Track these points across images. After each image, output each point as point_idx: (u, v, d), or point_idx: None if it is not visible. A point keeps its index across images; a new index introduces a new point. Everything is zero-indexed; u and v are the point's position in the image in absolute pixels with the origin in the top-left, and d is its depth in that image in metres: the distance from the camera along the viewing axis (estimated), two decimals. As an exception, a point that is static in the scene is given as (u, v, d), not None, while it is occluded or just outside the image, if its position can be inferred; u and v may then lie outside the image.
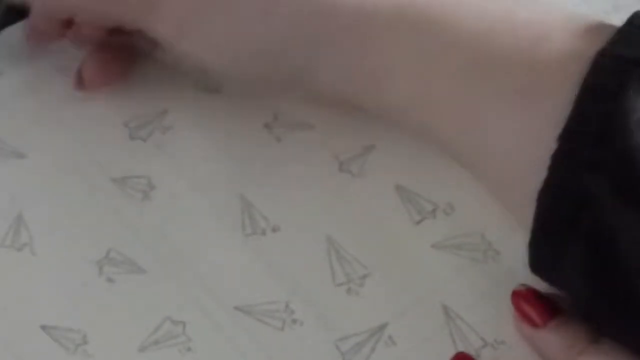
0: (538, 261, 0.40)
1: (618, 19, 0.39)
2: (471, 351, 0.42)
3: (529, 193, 0.38)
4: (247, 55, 0.45)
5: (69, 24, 0.48)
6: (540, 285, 0.42)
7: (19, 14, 0.50)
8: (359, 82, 0.43)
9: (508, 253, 0.45)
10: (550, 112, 0.38)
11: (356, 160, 0.48)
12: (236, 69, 0.46)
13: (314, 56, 0.43)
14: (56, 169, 0.47)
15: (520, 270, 0.44)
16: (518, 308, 0.42)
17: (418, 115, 0.42)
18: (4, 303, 0.43)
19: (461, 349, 0.42)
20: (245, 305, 0.43)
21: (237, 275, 0.44)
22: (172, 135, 0.49)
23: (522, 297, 0.42)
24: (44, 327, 0.42)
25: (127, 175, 0.47)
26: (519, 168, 0.39)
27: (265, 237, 0.45)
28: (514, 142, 0.40)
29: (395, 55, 0.42)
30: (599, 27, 0.39)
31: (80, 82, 0.49)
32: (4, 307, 0.43)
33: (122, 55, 0.50)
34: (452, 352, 0.42)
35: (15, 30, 0.52)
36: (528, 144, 0.39)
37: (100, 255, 0.45)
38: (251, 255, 0.45)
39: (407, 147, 0.48)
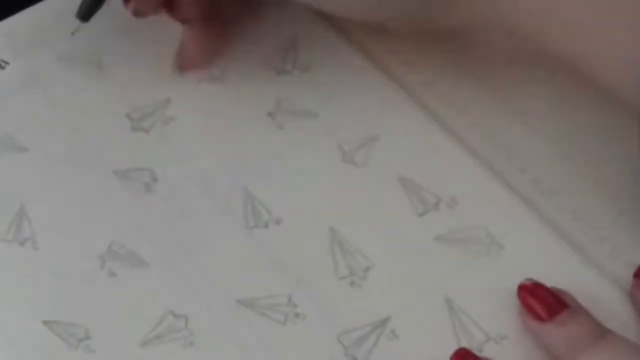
0: None
1: None
2: (474, 345, 0.42)
3: None
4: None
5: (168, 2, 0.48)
6: (546, 279, 0.42)
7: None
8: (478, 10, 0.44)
9: (512, 247, 0.45)
10: None
11: (360, 151, 0.48)
12: (353, 14, 0.47)
13: None
14: (58, 162, 0.47)
15: (524, 265, 0.44)
16: (524, 302, 0.42)
17: (532, 25, 0.43)
18: (6, 298, 0.43)
19: (464, 343, 0.42)
20: (248, 299, 0.43)
21: (240, 268, 0.44)
22: (174, 126, 0.48)
23: (529, 291, 0.42)
24: (46, 322, 0.43)
25: (130, 168, 0.47)
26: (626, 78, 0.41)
27: (268, 229, 0.45)
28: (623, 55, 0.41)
29: None
30: None
31: (182, 64, 0.50)
32: (6, 303, 0.43)
33: (216, 32, 0.50)
34: (455, 346, 0.42)
35: (19, 21, 0.52)
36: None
37: (102, 249, 0.45)
38: (254, 249, 0.45)
39: (411, 138, 0.48)
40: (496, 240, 0.45)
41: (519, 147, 0.48)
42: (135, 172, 0.47)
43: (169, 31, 0.51)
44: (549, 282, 0.42)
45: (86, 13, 0.48)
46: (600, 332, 0.41)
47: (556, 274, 0.43)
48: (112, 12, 0.51)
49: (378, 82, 0.50)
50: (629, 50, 0.41)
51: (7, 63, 0.50)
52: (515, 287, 0.42)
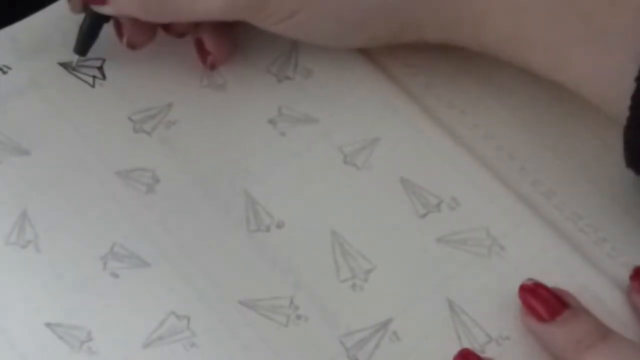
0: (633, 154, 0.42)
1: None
2: (476, 347, 0.42)
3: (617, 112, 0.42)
4: (358, 24, 0.47)
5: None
6: (547, 280, 0.42)
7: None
8: (460, 27, 0.46)
9: (513, 248, 0.45)
10: (631, 54, 0.41)
11: (361, 153, 0.48)
12: (348, 39, 0.49)
13: (419, 12, 0.46)
14: (60, 164, 0.47)
15: (525, 266, 0.44)
16: (525, 302, 0.42)
17: (514, 53, 0.46)
18: (8, 301, 0.43)
19: (466, 344, 0.42)
20: (250, 301, 0.43)
21: (242, 270, 0.44)
22: (176, 130, 0.49)
23: (530, 291, 0.42)
24: (48, 325, 0.42)
25: (132, 169, 0.47)
26: (603, 95, 0.43)
27: (270, 233, 0.45)
28: (597, 76, 0.43)
29: (492, 3, 0.45)
30: None
31: (213, 60, 0.50)
32: (8, 305, 0.43)
33: (226, 25, 0.50)
34: (456, 348, 0.42)
35: (21, 27, 0.52)
36: (610, 79, 0.42)
37: (104, 250, 0.45)
38: (256, 251, 0.45)
39: (412, 140, 0.48)
40: (497, 241, 0.45)
41: (519, 148, 0.48)
42: (137, 173, 0.47)
43: (172, 38, 0.52)
44: (549, 283, 0.42)
45: (83, 47, 0.50)
46: (602, 332, 0.41)
47: (556, 274, 0.43)
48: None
49: (378, 85, 0.50)
50: (606, 72, 0.43)
51: (10, 68, 0.50)
52: (516, 287, 0.43)
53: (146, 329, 0.42)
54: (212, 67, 0.50)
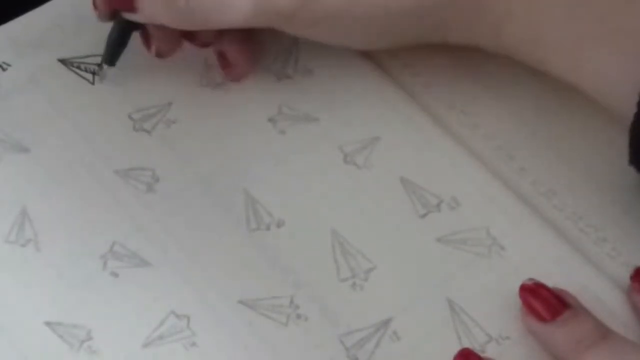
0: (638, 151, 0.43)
1: None
2: (476, 346, 0.42)
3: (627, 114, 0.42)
4: (383, 29, 0.47)
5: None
6: (547, 280, 0.42)
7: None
8: (482, 28, 0.46)
9: (513, 248, 0.45)
10: None
11: (361, 153, 0.48)
12: (374, 44, 0.49)
13: (446, 14, 0.46)
14: (60, 162, 0.47)
15: (525, 266, 0.44)
16: (526, 302, 0.42)
17: (531, 53, 0.46)
18: (8, 299, 0.43)
19: (466, 344, 0.42)
20: (250, 300, 0.43)
21: (242, 269, 0.44)
22: (176, 129, 0.49)
23: (530, 291, 0.42)
24: (48, 324, 0.42)
25: (131, 167, 0.47)
26: (613, 94, 0.44)
27: (270, 232, 0.45)
28: (608, 74, 0.43)
29: (513, 3, 0.45)
30: None
31: (237, 73, 0.50)
32: (8, 304, 0.43)
33: (248, 36, 0.50)
34: (456, 347, 0.42)
35: (21, 24, 0.52)
36: (620, 77, 0.43)
37: (104, 250, 0.44)
38: (256, 250, 0.45)
39: (412, 140, 0.48)
40: (497, 241, 0.45)
41: (519, 148, 0.48)
42: (136, 172, 0.47)
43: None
44: (549, 283, 0.42)
45: (112, 57, 0.49)
46: (603, 333, 0.41)
47: (556, 274, 0.44)
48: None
49: (378, 84, 0.50)
50: (618, 70, 0.43)
51: (9, 65, 0.50)
52: (516, 287, 0.43)
53: (146, 329, 0.42)
54: (235, 79, 0.50)
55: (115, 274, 0.44)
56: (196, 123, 0.49)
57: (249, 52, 0.50)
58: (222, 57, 0.50)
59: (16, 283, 0.44)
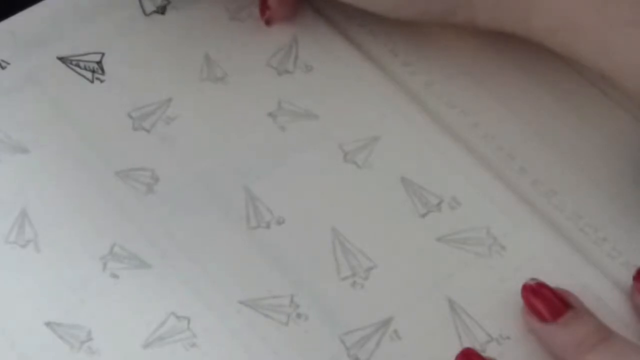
0: None
1: None
2: (476, 346, 0.42)
3: None
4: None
5: None
6: (547, 279, 0.42)
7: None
8: (510, 11, 0.46)
9: (513, 248, 0.45)
10: None
11: (361, 151, 0.48)
12: (402, 10, 0.48)
13: None
14: (59, 163, 0.47)
15: (525, 265, 0.44)
16: (527, 302, 0.42)
17: (561, 37, 0.46)
18: (8, 300, 0.43)
19: (466, 343, 0.42)
20: (250, 300, 0.43)
21: (242, 269, 0.44)
22: (175, 126, 0.48)
23: (532, 291, 0.42)
24: (48, 324, 0.42)
25: (131, 168, 0.47)
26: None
27: (270, 230, 0.45)
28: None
29: None
30: None
31: (269, 16, 0.51)
32: (8, 304, 0.43)
33: None
34: (457, 347, 0.42)
35: (19, 21, 0.51)
36: None
37: (104, 251, 0.44)
38: (256, 249, 0.45)
39: (412, 139, 0.48)
40: (497, 240, 0.45)
41: (519, 147, 0.48)
42: (136, 172, 0.47)
43: (170, 31, 0.51)
44: (549, 282, 0.42)
45: None
46: (605, 334, 0.41)
47: (557, 274, 0.43)
48: (113, 11, 0.52)
49: (379, 83, 0.50)
50: None
51: (8, 63, 0.50)
52: (516, 287, 0.43)
53: (146, 330, 0.42)
54: (268, 22, 0.51)
55: (115, 276, 0.44)
56: (196, 118, 0.49)
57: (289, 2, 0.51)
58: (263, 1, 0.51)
59: (16, 283, 0.44)
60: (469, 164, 0.47)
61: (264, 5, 0.51)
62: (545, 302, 0.42)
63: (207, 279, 0.44)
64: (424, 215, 0.46)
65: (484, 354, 0.42)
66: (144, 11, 0.52)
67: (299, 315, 0.43)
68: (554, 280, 0.42)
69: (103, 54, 0.51)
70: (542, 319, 0.41)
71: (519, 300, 0.42)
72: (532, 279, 0.43)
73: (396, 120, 0.49)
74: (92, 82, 0.50)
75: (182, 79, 0.50)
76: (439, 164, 0.47)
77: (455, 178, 0.47)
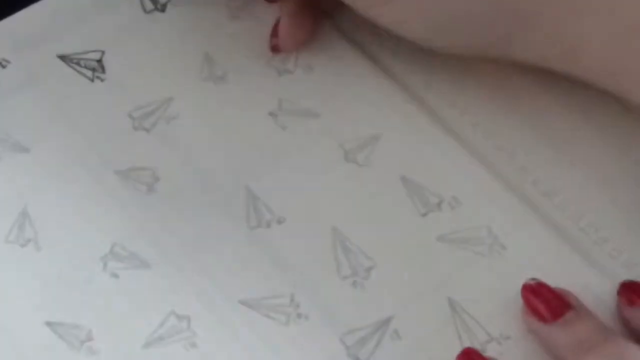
0: None
1: None
2: (477, 345, 0.42)
3: None
4: (447, 27, 0.45)
5: None
6: (547, 279, 0.42)
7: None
8: (554, 54, 0.45)
9: (514, 247, 0.45)
10: None
11: (362, 150, 0.48)
12: (434, 40, 0.47)
13: (513, 27, 0.45)
14: (60, 162, 0.47)
15: (525, 265, 0.44)
16: (527, 302, 0.42)
17: (614, 83, 0.45)
18: (8, 299, 0.43)
19: (467, 343, 0.42)
20: (250, 299, 0.43)
21: (242, 269, 0.44)
22: (176, 126, 0.48)
23: (532, 291, 0.42)
24: (48, 324, 0.42)
25: (132, 168, 0.47)
26: None
27: (270, 229, 0.45)
28: None
29: (591, 25, 0.43)
30: None
31: (276, 44, 0.50)
32: (8, 303, 0.43)
33: (313, 13, 0.50)
34: (457, 347, 0.42)
35: (19, 20, 0.51)
36: None
37: (104, 251, 0.44)
38: (256, 249, 0.45)
39: (412, 138, 0.48)
40: (498, 240, 0.45)
41: (520, 147, 0.48)
42: (136, 172, 0.47)
43: (170, 29, 0.51)
44: (550, 282, 0.42)
45: None
46: (604, 334, 0.41)
47: (557, 273, 0.43)
48: (113, 9, 0.52)
49: (379, 82, 0.50)
50: None
51: (8, 62, 0.50)
52: (517, 287, 0.43)
53: (146, 329, 0.42)
54: (273, 50, 0.51)
55: (115, 275, 0.44)
56: (196, 118, 0.49)
57: (299, 30, 0.50)
58: (275, 27, 0.50)
59: (16, 282, 0.44)
60: (469, 163, 0.47)
61: (274, 31, 0.50)
62: (545, 302, 0.42)
63: (207, 279, 0.44)
64: (424, 215, 0.46)
65: (485, 354, 0.42)
66: (144, 9, 0.52)
67: (299, 315, 0.43)
68: (554, 279, 0.42)
69: (103, 52, 0.51)
70: (541, 319, 0.41)
71: (519, 299, 0.42)
72: (533, 279, 0.42)
73: (397, 120, 0.48)
74: (92, 81, 0.50)
75: (183, 78, 0.50)
76: (440, 163, 0.47)
77: (455, 177, 0.47)
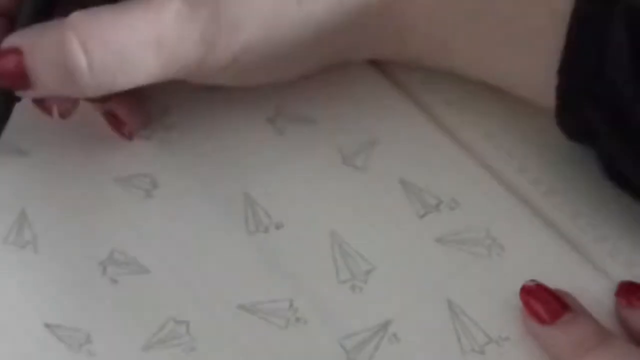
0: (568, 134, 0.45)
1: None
2: (475, 347, 0.42)
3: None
4: (285, 60, 0.46)
5: None
6: (547, 280, 0.42)
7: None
8: (389, 44, 0.47)
9: (513, 248, 0.44)
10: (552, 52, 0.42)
11: (360, 154, 0.48)
12: (283, 76, 0.48)
13: (351, 38, 0.46)
14: (59, 167, 0.47)
15: (525, 266, 0.44)
16: (526, 304, 0.42)
17: (440, 60, 0.47)
18: (7, 301, 0.43)
19: (465, 345, 0.42)
20: (249, 304, 0.43)
21: (241, 273, 0.44)
22: (175, 132, 0.48)
23: (531, 292, 0.42)
24: (47, 326, 0.42)
25: (130, 174, 0.47)
26: (534, 91, 0.45)
27: (269, 234, 0.45)
28: (524, 74, 0.45)
29: (415, 16, 0.45)
30: None
31: (124, 132, 0.48)
32: (7, 305, 0.43)
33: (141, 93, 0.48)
34: (456, 349, 0.42)
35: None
36: (536, 76, 0.43)
37: (103, 256, 0.44)
38: (255, 253, 0.45)
39: (411, 140, 0.48)
40: (497, 241, 0.45)
41: (519, 146, 0.48)
42: (135, 179, 0.47)
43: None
44: (549, 283, 0.42)
45: None
46: (603, 336, 0.40)
47: (556, 274, 0.43)
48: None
49: (377, 84, 0.50)
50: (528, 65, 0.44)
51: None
52: (516, 288, 0.42)
53: (145, 334, 0.42)
54: (130, 136, 0.48)
55: (114, 281, 0.44)
56: (194, 124, 0.49)
57: (139, 107, 0.48)
58: (112, 118, 0.48)
59: (15, 284, 0.44)
60: (468, 164, 0.47)
61: (118, 123, 0.48)
62: (544, 304, 0.41)
63: (206, 284, 0.44)
64: (422, 216, 0.46)
65: (485, 356, 0.42)
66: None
67: (298, 319, 0.43)
68: (553, 280, 0.42)
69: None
70: (540, 320, 0.41)
71: (518, 301, 0.42)
72: (532, 281, 0.42)
73: (394, 121, 0.48)
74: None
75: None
76: (438, 165, 0.47)
77: (454, 178, 0.47)
